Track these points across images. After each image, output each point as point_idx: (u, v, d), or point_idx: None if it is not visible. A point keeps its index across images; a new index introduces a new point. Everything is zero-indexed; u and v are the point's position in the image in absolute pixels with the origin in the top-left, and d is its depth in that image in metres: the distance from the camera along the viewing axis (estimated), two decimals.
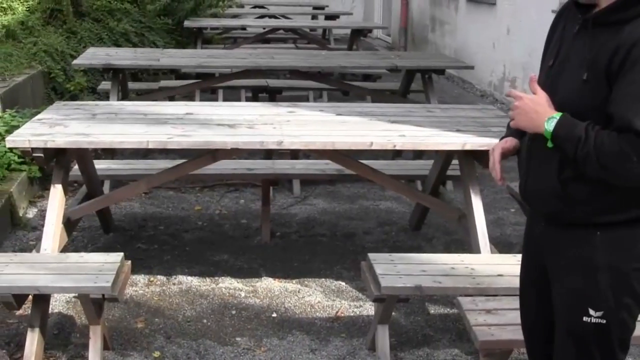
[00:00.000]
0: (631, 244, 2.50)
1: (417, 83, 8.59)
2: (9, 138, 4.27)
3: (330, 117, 4.96)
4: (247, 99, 9.23)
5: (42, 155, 4.29)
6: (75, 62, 7.43)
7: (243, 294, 4.97)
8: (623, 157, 2.33)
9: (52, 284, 3.82)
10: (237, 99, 9.27)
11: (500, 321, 3.58)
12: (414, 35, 15.81)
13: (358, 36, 11.81)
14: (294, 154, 6.88)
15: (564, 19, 2.72)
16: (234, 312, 4.74)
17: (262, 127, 4.63)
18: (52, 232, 4.47)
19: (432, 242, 5.92)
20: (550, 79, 2.62)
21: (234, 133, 4.46)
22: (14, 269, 3.95)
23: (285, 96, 8.92)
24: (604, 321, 2.54)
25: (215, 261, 5.47)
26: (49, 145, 4.22)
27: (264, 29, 12.68)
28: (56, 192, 4.55)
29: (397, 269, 4.01)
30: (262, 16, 14.76)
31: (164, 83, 9.07)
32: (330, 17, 15.24)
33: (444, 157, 5.35)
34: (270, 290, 5.04)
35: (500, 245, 5.56)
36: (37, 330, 3.90)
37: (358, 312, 4.77)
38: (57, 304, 4.71)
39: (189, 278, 5.17)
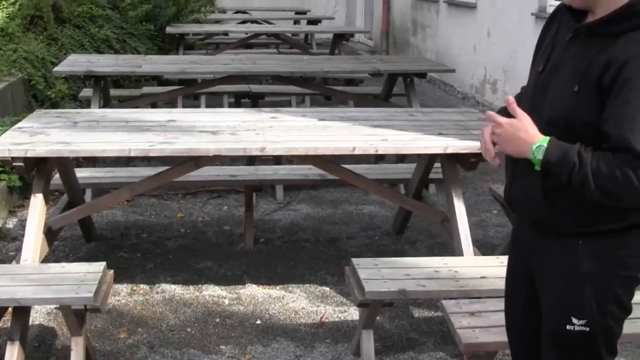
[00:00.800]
0: (614, 253, 2.49)
1: (399, 87, 8.59)
2: None
3: (312, 123, 4.95)
4: (230, 105, 9.21)
5: (22, 164, 4.23)
6: (56, 69, 7.38)
7: (227, 302, 4.95)
8: (623, 180, 2.27)
9: (33, 296, 3.77)
10: (220, 104, 9.26)
11: (484, 323, 3.57)
12: (396, 38, 15.84)
13: (340, 40, 11.80)
14: (277, 160, 6.86)
15: (557, 22, 2.67)
16: (217, 320, 4.71)
17: (245, 133, 4.61)
18: (33, 242, 4.42)
19: (415, 246, 5.92)
20: (539, 84, 2.57)
21: (216, 140, 4.44)
22: None
23: (267, 101, 8.91)
24: (588, 329, 2.52)
25: (198, 269, 5.44)
26: (30, 154, 4.18)
27: (247, 34, 12.67)
28: (37, 202, 4.50)
29: (381, 274, 4.00)
30: (244, 21, 14.77)
31: (146, 90, 9.02)
32: (313, 21, 15.24)
33: (427, 160, 5.35)
34: (254, 297, 5.02)
35: (484, 247, 5.58)
36: (17, 343, 3.82)
37: (342, 318, 4.76)
38: (38, 316, 4.67)
39: (172, 286, 5.15)
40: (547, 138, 2.39)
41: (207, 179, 5.94)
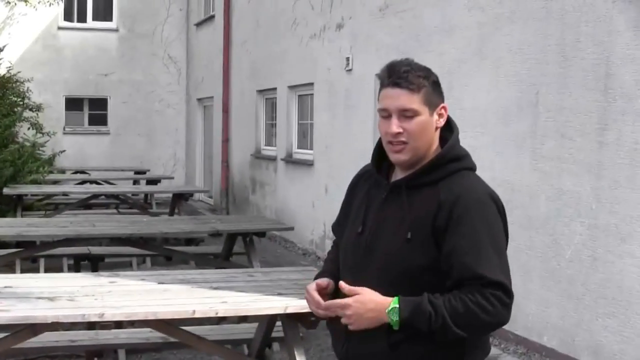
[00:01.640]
0: None
1: (239, 245, 8.69)
2: None
3: (152, 286, 4.96)
4: (70, 267, 9.04)
5: None
6: None
7: None
8: (479, 309, 2.41)
9: None
10: (60, 266, 9.07)
11: None
12: (235, 196, 16.07)
13: (180, 200, 11.90)
14: (118, 323, 6.73)
15: (363, 183, 2.84)
16: None
17: (84, 298, 4.57)
18: None
19: None
20: (363, 245, 2.67)
21: (54, 306, 4.37)
22: None
23: (108, 263, 8.82)
24: None
25: None
26: None
27: (86, 194, 12.60)
28: None
29: None
30: (83, 182, 14.68)
31: None
32: (152, 181, 15.34)
33: (267, 320, 5.40)
34: None
35: None
36: None
37: None
38: None
39: None
40: (396, 298, 2.48)
41: (46, 345, 5.76)
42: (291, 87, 13.15)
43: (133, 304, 4.49)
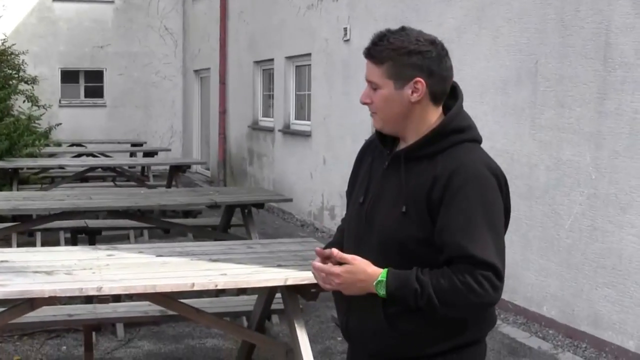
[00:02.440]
0: None
1: (237, 217, 8.67)
2: None
3: (150, 259, 4.93)
4: (67, 240, 9.03)
5: None
6: None
7: None
8: (465, 289, 2.38)
9: None
10: (56, 240, 9.06)
11: None
12: (233, 168, 16.05)
13: (177, 172, 11.86)
14: (116, 297, 6.72)
15: (369, 153, 2.80)
16: None
17: (81, 272, 4.54)
18: None
19: None
20: (364, 215, 2.65)
21: (51, 280, 4.34)
22: None
23: (105, 236, 8.79)
24: None
25: None
26: None
27: (82, 167, 12.55)
28: None
29: None
30: (79, 155, 14.62)
31: None
32: (149, 153, 15.28)
33: (267, 292, 5.39)
34: None
35: None
36: None
37: None
38: None
39: None
40: (384, 271, 2.46)
41: (44, 320, 5.75)
42: (288, 58, 13.08)
43: (131, 277, 4.46)
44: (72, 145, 16.67)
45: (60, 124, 16.05)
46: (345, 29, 10.65)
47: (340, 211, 10.72)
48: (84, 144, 16.55)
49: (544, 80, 6.80)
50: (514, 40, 7.18)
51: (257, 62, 14.66)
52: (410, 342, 2.55)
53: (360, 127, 10.06)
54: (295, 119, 13.13)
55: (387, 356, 2.62)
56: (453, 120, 2.59)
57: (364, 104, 2.68)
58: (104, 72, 19.40)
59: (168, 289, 4.39)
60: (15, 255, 5.08)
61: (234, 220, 8.79)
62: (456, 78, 2.68)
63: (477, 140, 2.63)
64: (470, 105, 7.22)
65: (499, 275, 2.43)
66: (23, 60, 15.34)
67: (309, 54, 12.10)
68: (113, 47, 19.19)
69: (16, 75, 14.90)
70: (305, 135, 12.27)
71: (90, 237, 8.48)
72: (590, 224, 6.33)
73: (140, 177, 13.74)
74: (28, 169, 13.07)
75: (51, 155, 14.14)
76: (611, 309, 6.14)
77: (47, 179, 13.40)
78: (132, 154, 15.90)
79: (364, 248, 2.59)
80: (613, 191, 6.11)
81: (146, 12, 19.33)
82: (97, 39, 19.04)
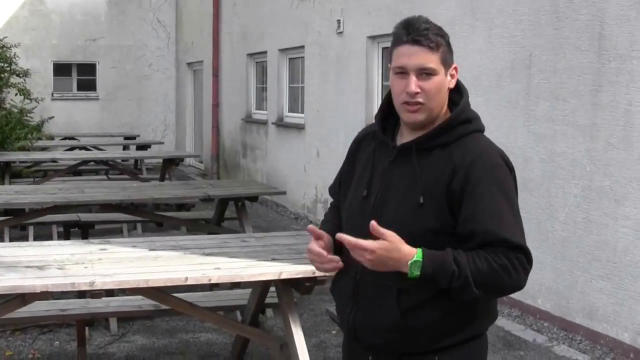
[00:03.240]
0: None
1: (231, 210, 8.64)
2: None
3: (143, 253, 4.90)
4: (59, 234, 9.00)
5: None
6: None
7: None
8: (502, 271, 2.39)
9: None
10: (49, 234, 9.02)
11: None
12: (226, 161, 16.01)
13: (170, 165, 11.81)
14: (109, 291, 6.70)
15: (366, 145, 2.76)
16: None
17: (74, 267, 4.51)
18: None
19: None
20: (369, 208, 2.59)
21: (43, 275, 4.31)
22: None
23: (98, 230, 8.76)
24: None
25: None
26: None
27: (75, 161, 12.50)
28: None
29: None
30: (72, 148, 14.57)
31: None
32: (142, 146, 15.26)
33: (261, 286, 5.36)
34: None
35: None
36: None
37: None
38: None
39: None
40: (420, 251, 2.40)
41: (36, 314, 5.71)
42: (282, 51, 13.04)
43: (124, 271, 4.43)
44: (65, 138, 16.62)
45: (53, 117, 16.04)
46: (338, 21, 10.61)
47: None
48: (76, 137, 16.50)
49: (539, 72, 6.77)
50: (508, 32, 7.15)
51: (250, 55, 14.62)
52: (423, 336, 2.53)
53: (354, 119, 10.02)
54: (288, 112, 13.09)
55: (394, 351, 2.60)
56: (464, 110, 2.62)
57: (413, 95, 2.52)
58: (97, 65, 19.33)
59: (161, 284, 4.36)
60: (7, 249, 5.06)
61: (228, 214, 8.76)
62: None
63: (482, 130, 2.69)
64: None
65: (530, 258, 2.47)
66: (15, 53, 15.27)
67: (302, 47, 12.06)
68: (106, 40, 19.12)
69: (8, 68, 14.83)
70: (299, 127, 12.24)
71: (83, 231, 8.45)
72: (585, 216, 6.31)
73: (133, 171, 13.71)
74: (20, 162, 13.02)
75: (43, 148, 14.10)
76: (606, 301, 6.13)
77: (39, 173, 13.36)
78: (125, 147, 15.85)
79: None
80: (608, 183, 6.09)
81: (139, 4, 19.26)
82: (90, 32, 18.97)
